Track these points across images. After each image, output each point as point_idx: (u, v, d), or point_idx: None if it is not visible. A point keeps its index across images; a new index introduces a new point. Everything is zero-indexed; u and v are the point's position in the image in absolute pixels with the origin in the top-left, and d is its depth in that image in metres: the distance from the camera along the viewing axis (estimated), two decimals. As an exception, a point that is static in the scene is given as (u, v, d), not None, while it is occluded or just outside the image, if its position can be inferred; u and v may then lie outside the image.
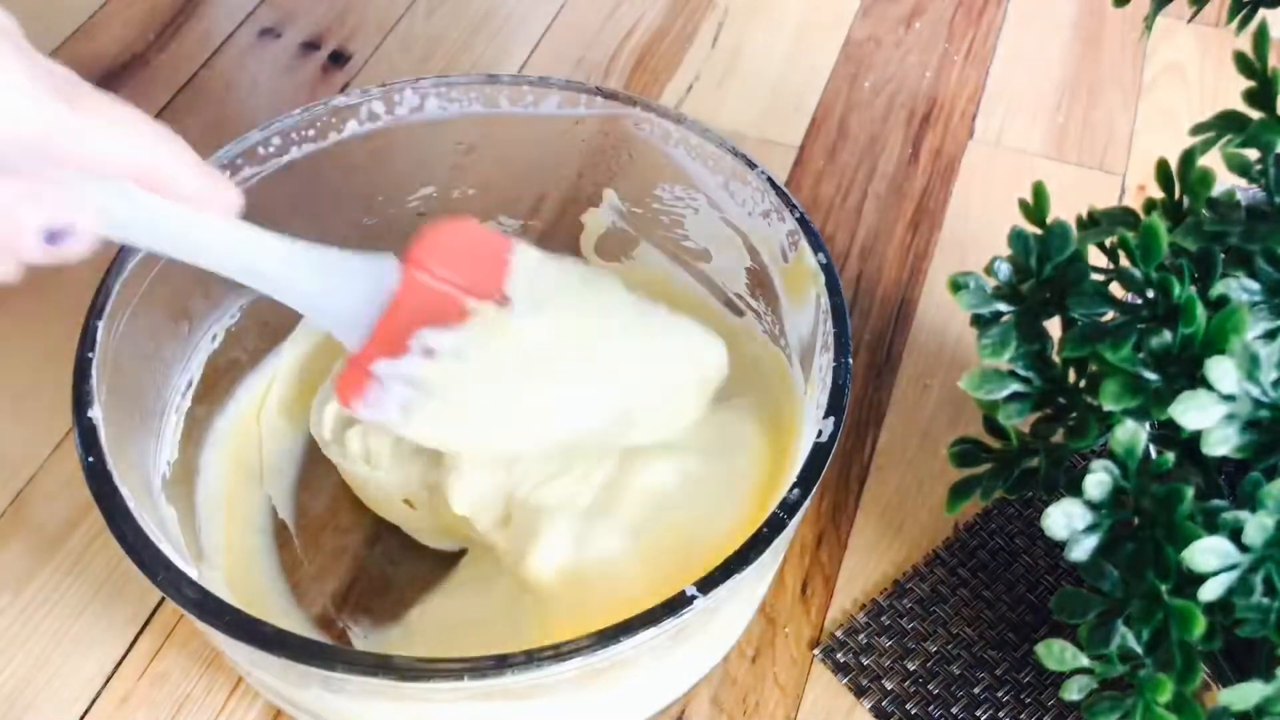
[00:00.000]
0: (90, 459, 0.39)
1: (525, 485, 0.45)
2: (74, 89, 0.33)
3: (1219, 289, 0.34)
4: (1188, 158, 0.37)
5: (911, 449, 0.56)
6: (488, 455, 0.45)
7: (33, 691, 0.47)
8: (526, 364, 0.43)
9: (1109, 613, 0.33)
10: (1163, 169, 0.38)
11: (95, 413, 0.40)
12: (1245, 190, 0.37)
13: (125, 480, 0.39)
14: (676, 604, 0.36)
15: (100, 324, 0.42)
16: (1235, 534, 0.31)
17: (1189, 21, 0.52)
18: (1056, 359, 0.37)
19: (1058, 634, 0.35)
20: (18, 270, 0.34)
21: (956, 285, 0.37)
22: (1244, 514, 0.31)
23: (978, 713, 0.48)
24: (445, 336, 0.42)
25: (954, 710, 0.48)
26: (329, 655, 0.35)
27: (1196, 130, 0.37)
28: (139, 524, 0.38)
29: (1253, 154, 0.36)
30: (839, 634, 0.50)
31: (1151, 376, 0.33)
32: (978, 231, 0.65)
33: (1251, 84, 0.37)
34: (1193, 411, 0.32)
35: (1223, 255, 0.35)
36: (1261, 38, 0.36)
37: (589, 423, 0.44)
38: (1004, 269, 0.37)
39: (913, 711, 0.48)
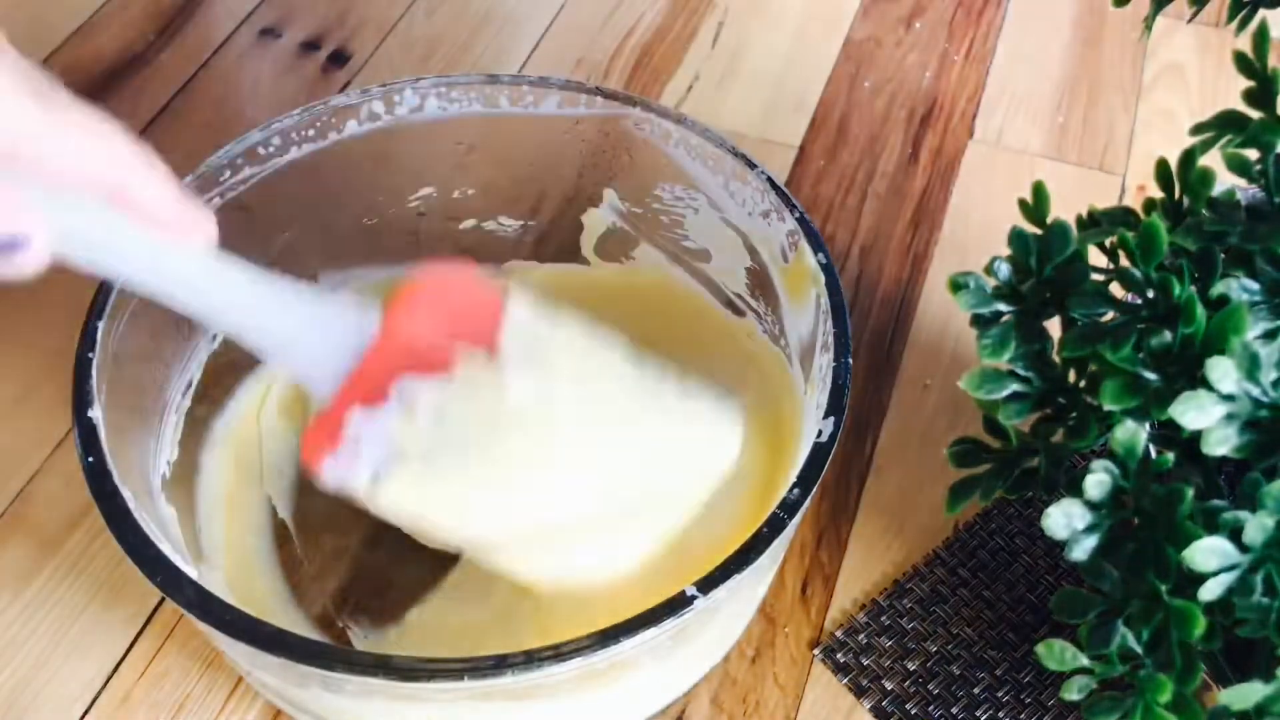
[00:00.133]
0: (90, 459, 0.39)
1: None
2: (53, 94, 0.31)
3: (1219, 289, 0.34)
4: (1188, 158, 0.37)
5: (911, 449, 0.56)
6: (461, 537, 0.40)
7: (33, 692, 0.47)
8: (513, 433, 0.38)
9: (1109, 613, 0.33)
10: (1163, 169, 0.38)
11: (95, 413, 0.40)
12: (1245, 190, 0.37)
13: (125, 480, 0.39)
14: (676, 604, 0.36)
15: (100, 324, 0.42)
16: (1235, 534, 0.31)
17: (1189, 21, 0.52)
18: (1056, 359, 0.37)
19: (1058, 634, 0.35)
20: None
21: (956, 285, 0.37)
22: (1244, 514, 0.31)
23: (978, 713, 0.48)
24: (429, 389, 0.38)
25: (954, 710, 0.48)
26: (329, 655, 0.35)
27: (1196, 130, 0.38)
28: (139, 524, 0.38)
29: (1253, 154, 0.36)
30: (839, 634, 0.50)
31: (1151, 376, 0.33)
32: (978, 231, 0.65)
33: (1251, 84, 0.37)
34: (1193, 411, 0.32)
35: (1223, 255, 0.35)
36: (1261, 38, 0.36)
37: (575, 508, 0.39)
38: (1004, 269, 0.37)
39: (913, 711, 0.48)
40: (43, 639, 0.49)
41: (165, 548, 0.38)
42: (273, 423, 0.52)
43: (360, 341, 0.39)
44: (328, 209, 0.52)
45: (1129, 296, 0.35)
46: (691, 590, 0.36)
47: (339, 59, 0.72)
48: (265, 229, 0.50)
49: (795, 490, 0.39)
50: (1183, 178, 0.37)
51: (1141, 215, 0.38)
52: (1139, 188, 0.67)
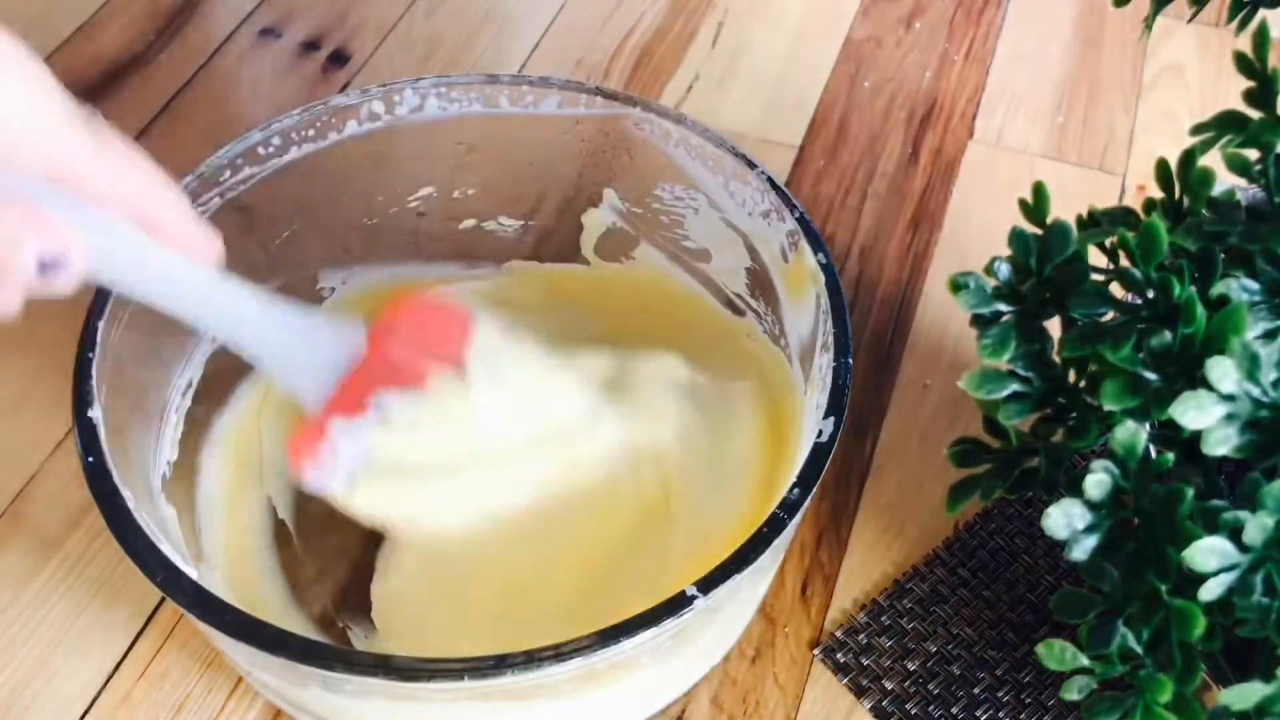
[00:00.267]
0: (90, 459, 0.39)
1: None
2: (99, 127, 0.34)
3: (1219, 289, 0.34)
4: (1188, 158, 0.37)
5: (911, 449, 0.56)
6: (428, 537, 0.45)
7: (33, 692, 0.47)
8: (478, 442, 0.43)
9: (1109, 613, 0.33)
10: (1163, 169, 0.38)
11: (95, 413, 0.40)
12: (1245, 190, 0.37)
13: (125, 480, 0.39)
14: (676, 604, 0.36)
15: (100, 324, 0.42)
16: (1235, 534, 0.31)
17: (1189, 21, 0.52)
18: (1056, 359, 0.37)
19: (1058, 634, 0.35)
20: (18, 301, 0.33)
21: (956, 285, 0.37)
22: (1244, 514, 0.31)
23: (978, 713, 0.48)
24: (403, 402, 0.42)
25: (954, 710, 0.48)
26: (329, 655, 0.35)
27: (1196, 130, 0.37)
28: (139, 524, 0.38)
29: (1253, 154, 0.36)
30: (839, 634, 0.50)
31: (1151, 376, 0.33)
32: (978, 231, 0.65)
33: (1251, 84, 0.37)
34: (1193, 411, 0.32)
35: (1223, 255, 0.35)
36: (1261, 38, 0.36)
37: (538, 507, 0.44)
38: (1004, 269, 0.37)
39: (913, 711, 0.48)
40: (43, 639, 0.49)
41: (165, 548, 0.38)
42: (272, 423, 0.52)
43: (347, 358, 0.42)
44: (328, 209, 0.52)
45: (1129, 296, 0.35)
46: (691, 590, 0.36)
47: (339, 59, 0.72)
48: (265, 229, 0.50)
49: (795, 490, 0.39)
50: (1183, 178, 0.37)
51: (1141, 215, 0.38)
52: (1139, 188, 0.67)
